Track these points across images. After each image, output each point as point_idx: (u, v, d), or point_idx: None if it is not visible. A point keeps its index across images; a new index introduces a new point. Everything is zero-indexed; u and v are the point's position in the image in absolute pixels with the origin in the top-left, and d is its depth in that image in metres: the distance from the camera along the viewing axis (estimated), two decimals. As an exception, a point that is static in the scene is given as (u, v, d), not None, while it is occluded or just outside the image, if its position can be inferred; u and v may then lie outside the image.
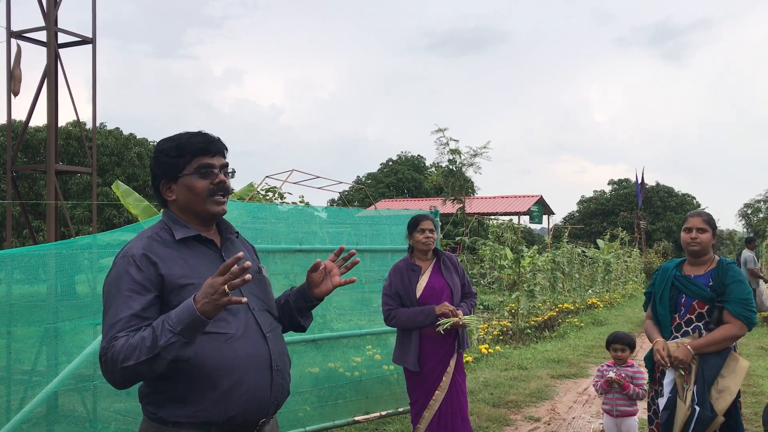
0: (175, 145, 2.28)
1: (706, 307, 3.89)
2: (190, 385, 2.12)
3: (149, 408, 2.19)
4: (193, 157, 2.26)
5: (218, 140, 2.33)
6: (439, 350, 4.54)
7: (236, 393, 2.15)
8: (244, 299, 1.98)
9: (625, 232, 27.02)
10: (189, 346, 2.01)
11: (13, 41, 7.29)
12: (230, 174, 2.36)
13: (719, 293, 3.88)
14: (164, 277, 2.14)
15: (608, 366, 5.05)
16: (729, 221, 63.78)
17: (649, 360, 4.11)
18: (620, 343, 4.96)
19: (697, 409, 3.77)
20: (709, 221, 3.99)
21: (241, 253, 1.98)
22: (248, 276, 1.95)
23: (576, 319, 14.14)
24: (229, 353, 2.15)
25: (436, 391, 4.52)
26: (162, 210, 2.36)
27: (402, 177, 52.84)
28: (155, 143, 2.67)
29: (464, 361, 8.85)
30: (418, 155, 55.28)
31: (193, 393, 2.12)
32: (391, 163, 55.10)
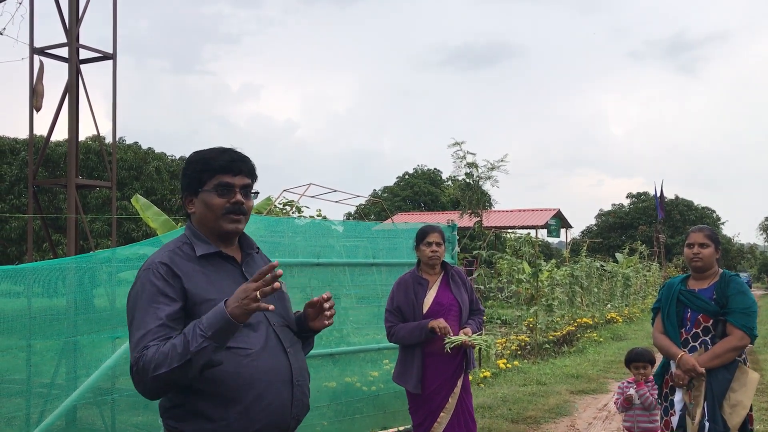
0: (200, 159, 2.29)
1: (711, 321, 3.90)
2: (212, 400, 2.12)
3: (170, 422, 2.19)
4: (215, 173, 2.26)
5: (244, 160, 2.31)
6: (446, 370, 4.30)
7: (257, 407, 2.16)
8: (271, 306, 2.02)
9: (644, 246, 26.76)
10: (220, 350, 2.03)
11: (36, 57, 7.41)
12: (253, 195, 2.34)
13: (722, 305, 3.89)
14: (187, 291, 2.16)
15: (628, 383, 4.99)
16: (750, 235, 63.26)
17: (658, 377, 4.15)
18: (641, 361, 4.92)
19: (707, 425, 3.75)
20: (711, 236, 4.03)
21: (276, 261, 2.02)
22: (277, 284, 1.99)
23: (595, 334, 13.99)
24: (251, 368, 2.16)
25: (442, 413, 4.26)
26: (186, 224, 2.37)
27: (418, 190, 52.87)
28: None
29: (482, 376, 8.84)
30: (435, 169, 55.37)
31: (216, 407, 2.13)
32: (407, 176, 55.16)
